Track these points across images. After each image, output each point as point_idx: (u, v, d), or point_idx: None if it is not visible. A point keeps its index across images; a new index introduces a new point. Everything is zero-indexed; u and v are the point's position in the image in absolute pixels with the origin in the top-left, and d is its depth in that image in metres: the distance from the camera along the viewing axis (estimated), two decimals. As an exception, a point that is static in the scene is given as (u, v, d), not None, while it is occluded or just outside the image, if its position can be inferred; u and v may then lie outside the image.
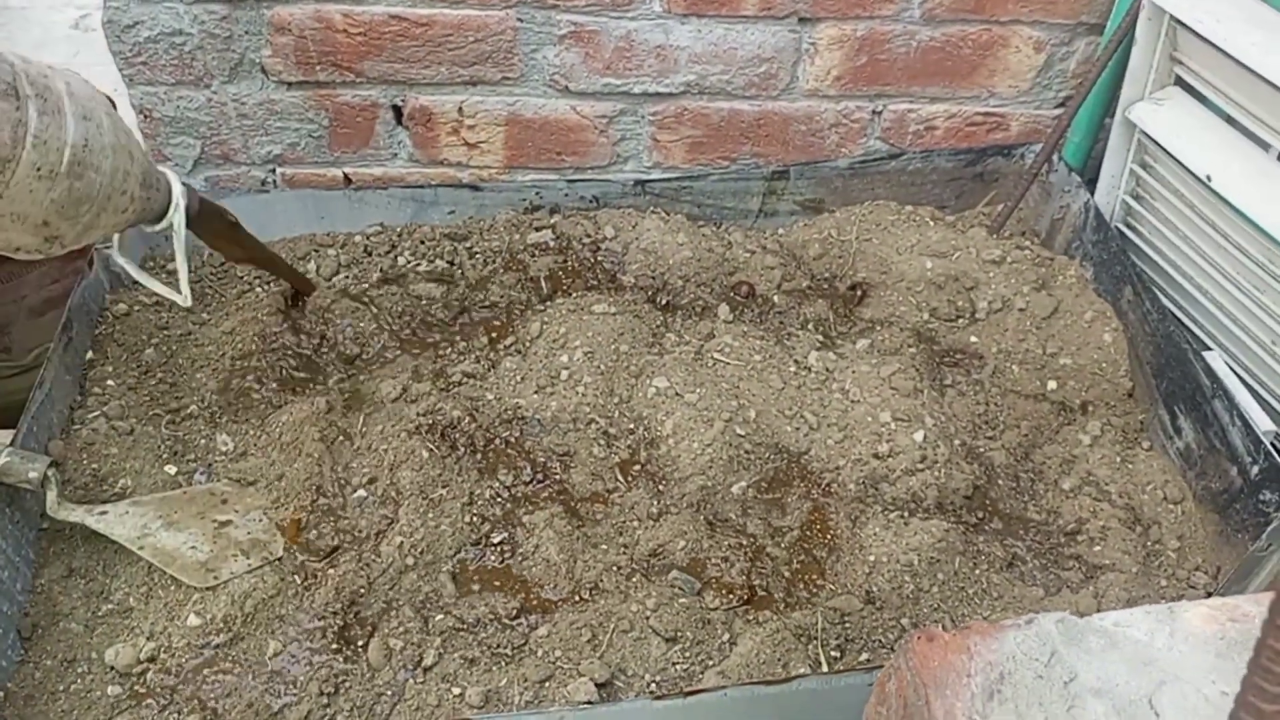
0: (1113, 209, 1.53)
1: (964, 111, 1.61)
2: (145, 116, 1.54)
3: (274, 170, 1.63)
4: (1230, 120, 1.33)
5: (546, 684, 1.05)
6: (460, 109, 1.57)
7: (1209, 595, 1.21)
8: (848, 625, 1.13)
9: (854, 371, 1.39)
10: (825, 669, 1.08)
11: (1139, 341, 1.39)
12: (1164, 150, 1.38)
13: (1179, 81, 1.39)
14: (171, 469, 1.23)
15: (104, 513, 1.14)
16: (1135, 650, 0.62)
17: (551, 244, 1.54)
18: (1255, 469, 1.17)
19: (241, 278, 1.48)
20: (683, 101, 1.58)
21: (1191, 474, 1.29)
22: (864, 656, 1.10)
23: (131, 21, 1.45)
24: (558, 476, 1.28)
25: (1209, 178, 1.30)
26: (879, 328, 1.50)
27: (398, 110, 1.57)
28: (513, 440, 1.30)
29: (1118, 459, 1.33)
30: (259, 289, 1.46)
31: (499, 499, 1.24)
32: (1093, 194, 1.53)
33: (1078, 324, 1.46)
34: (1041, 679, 0.60)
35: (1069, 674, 0.60)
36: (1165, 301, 1.42)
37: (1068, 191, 1.55)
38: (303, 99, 1.54)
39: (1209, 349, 1.40)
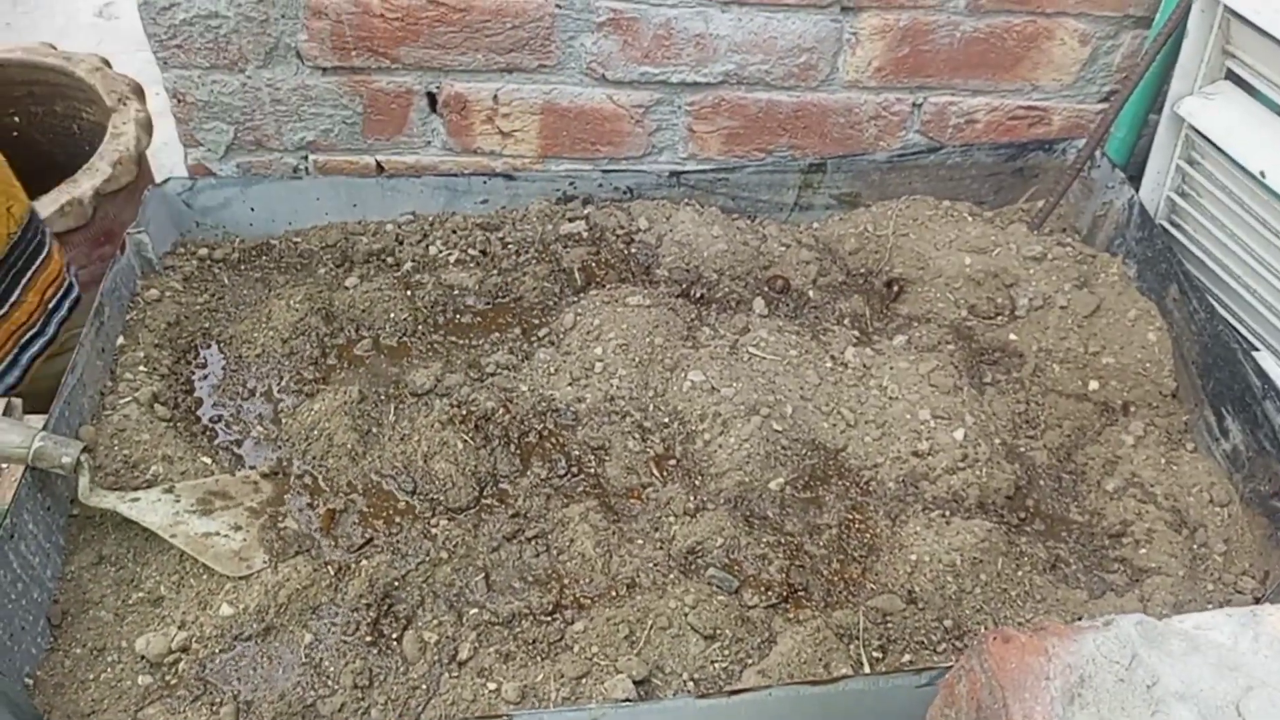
0: (1157, 206, 1.50)
1: (1006, 105, 1.58)
2: (179, 101, 1.53)
3: (306, 157, 1.61)
4: (1285, 115, 1.30)
5: (583, 680, 1.03)
6: (495, 97, 1.55)
7: (1257, 600, 1.19)
8: (890, 625, 1.11)
9: (892, 368, 1.36)
10: (867, 669, 1.05)
11: (1184, 341, 1.36)
12: (1214, 146, 1.35)
13: (1231, 75, 1.36)
14: (205, 458, 1.21)
15: (136, 499, 1.12)
16: (1219, 654, 0.60)
17: (584, 235, 1.52)
18: (1309, 472, 1.15)
19: (272, 269, 1.47)
20: (720, 91, 1.56)
21: (1239, 476, 1.26)
22: (907, 657, 1.08)
23: (168, 3, 1.43)
24: (592, 470, 1.26)
25: (1263, 174, 1.27)
26: (916, 324, 1.47)
27: (432, 97, 1.55)
28: (547, 433, 1.28)
29: (1162, 460, 1.31)
30: (291, 278, 1.45)
31: (534, 492, 1.22)
32: (1137, 190, 1.50)
33: (1120, 323, 1.43)
34: (1123, 682, 0.58)
35: (1151, 678, 0.58)
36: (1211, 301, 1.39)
37: (1111, 188, 1.52)
38: (337, 85, 1.53)
39: (1256, 349, 1.37)
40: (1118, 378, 1.39)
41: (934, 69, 1.54)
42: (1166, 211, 1.50)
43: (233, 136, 1.57)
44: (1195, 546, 1.23)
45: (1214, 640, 0.60)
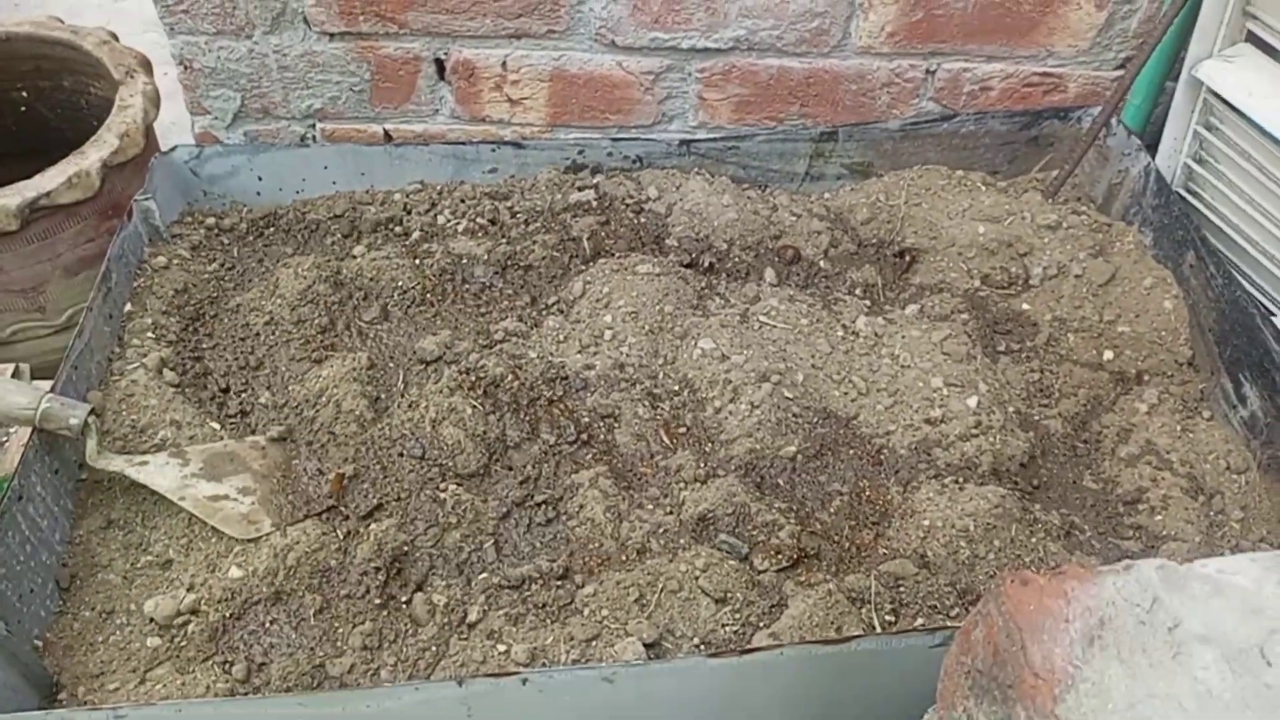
0: (1174, 173, 1.48)
1: (1021, 72, 1.56)
2: (186, 67, 1.52)
3: (314, 125, 1.61)
4: (1306, 77, 1.28)
5: (593, 643, 1.03)
6: (504, 64, 1.53)
7: (1276, 567, 1.17)
8: (902, 589, 1.10)
9: (904, 337, 1.35)
10: (880, 632, 1.04)
11: (1201, 308, 1.35)
12: (1233, 109, 1.33)
13: (1251, 37, 1.34)
14: (213, 423, 1.21)
15: (144, 463, 1.12)
16: (1243, 598, 0.59)
17: (594, 204, 1.51)
18: (1329, 437, 1.13)
19: (280, 238, 1.46)
20: (731, 58, 1.54)
21: (1256, 443, 1.24)
22: (919, 621, 1.07)
23: (173, -31, 1.43)
24: (602, 437, 1.25)
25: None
26: (929, 294, 1.46)
27: (440, 64, 1.54)
28: (556, 399, 1.27)
29: (1178, 428, 1.29)
30: (299, 247, 1.44)
31: (543, 458, 1.21)
32: (1153, 158, 1.48)
33: (1136, 291, 1.42)
34: (1144, 625, 0.57)
35: (1173, 620, 0.57)
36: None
37: (1127, 155, 1.50)
38: (344, 51, 1.52)
39: (1275, 314, 1.35)
40: (1133, 347, 1.38)
41: (948, 34, 1.52)
42: (1183, 178, 1.48)
43: (240, 104, 1.57)
44: (1212, 513, 1.22)
45: (1238, 584, 0.59)
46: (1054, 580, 0.59)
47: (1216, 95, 1.35)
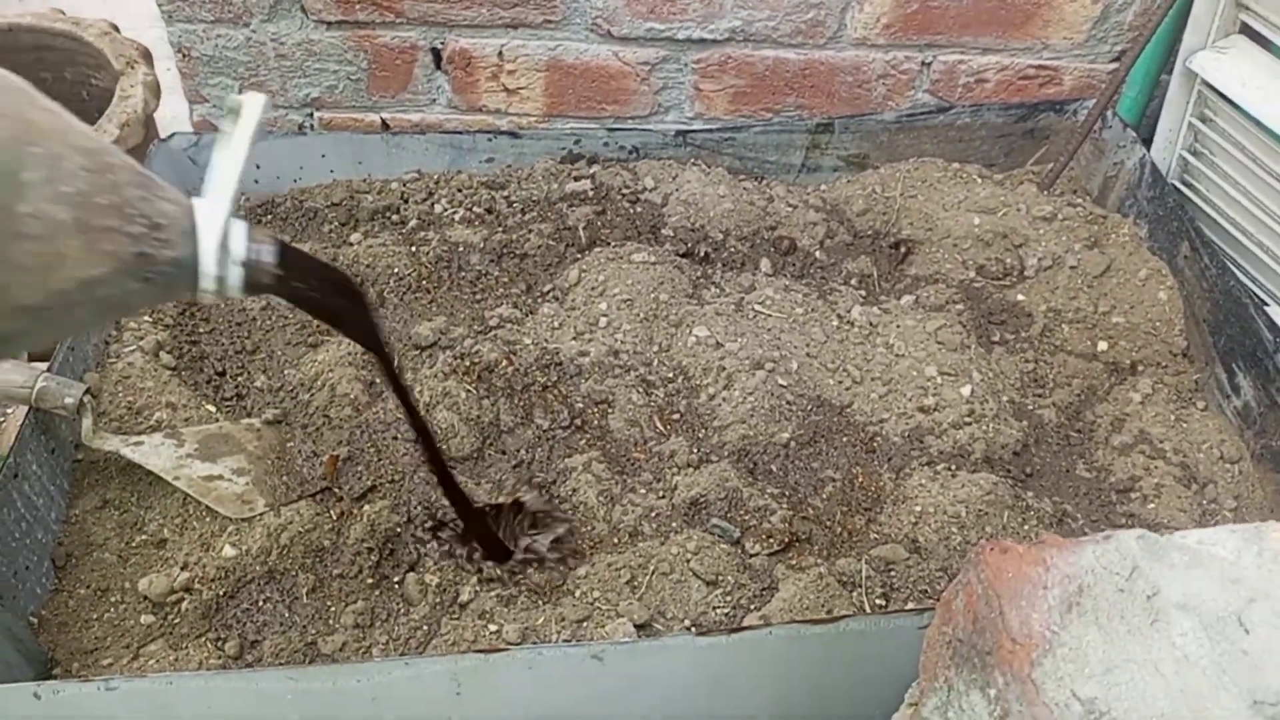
0: (1169, 165, 1.48)
1: (1016, 64, 1.57)
2: (184, 55, 1.53)
3: (311, 114, 1.61)
4: (1299, 68, 1.28)
5: (584, 624, 1.03)
6: (500, 53, 1.54)
7: (1267, 555, 1.17)
8: (893, 574, 1.10)
9: (898, 326, 1.36)
10: (869, 613, 1.05)
11: (1196, 299, 1.35)
12: (1228, 101, 1.33)
13: (1245, 29, 1.34)
14: (209, 406, 1.21)
15: (139, 443, 1.12)
16: (1221, 568, 0.59)
17: (590, 194, 1.51)
18: (1320, 424, 1.13)
19: (277, 226, 1.47)
20: (727, 49, 1.54)
21: (1250, 433, 1.24)
22: (909, 605, 1.07)
23: (172, -44, 1.44)
24: (596, 422, 1.25)
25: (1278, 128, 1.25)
26: (924, 285, 1.46)
27: (437, 54, 1.54)
28: (550, 385, 1.28)
29: (1171, 417, 1.29)
30: (296, 235, 1.45)
31: (537, 443, 1.22)
32: (1148, 150, 1.48)
33: (1131, 282, 1.42)
34: (1123, 592, 0.57)
35: (1152, 588, 0.57)
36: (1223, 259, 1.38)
37: (1122, 148, 1.51)
38: (341, 40, 1.52)
39: (1268, 304, 1.35)
40: (1127, 337, 1.38)
41: (943, 26, 1.52)
42: (1179, 170, 1.49)
43: (238, 92, 1.57)
44: (1205, 502, 1.22)
45: (1217, 555, 0.60)
46: (1033, 548, 0.59)
47: (1210, 87, 1.35)
